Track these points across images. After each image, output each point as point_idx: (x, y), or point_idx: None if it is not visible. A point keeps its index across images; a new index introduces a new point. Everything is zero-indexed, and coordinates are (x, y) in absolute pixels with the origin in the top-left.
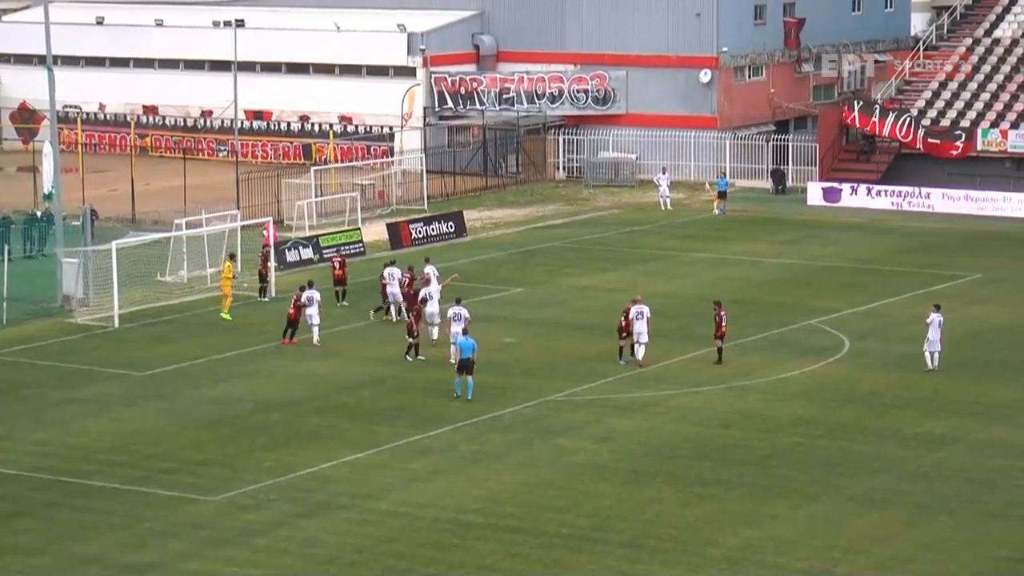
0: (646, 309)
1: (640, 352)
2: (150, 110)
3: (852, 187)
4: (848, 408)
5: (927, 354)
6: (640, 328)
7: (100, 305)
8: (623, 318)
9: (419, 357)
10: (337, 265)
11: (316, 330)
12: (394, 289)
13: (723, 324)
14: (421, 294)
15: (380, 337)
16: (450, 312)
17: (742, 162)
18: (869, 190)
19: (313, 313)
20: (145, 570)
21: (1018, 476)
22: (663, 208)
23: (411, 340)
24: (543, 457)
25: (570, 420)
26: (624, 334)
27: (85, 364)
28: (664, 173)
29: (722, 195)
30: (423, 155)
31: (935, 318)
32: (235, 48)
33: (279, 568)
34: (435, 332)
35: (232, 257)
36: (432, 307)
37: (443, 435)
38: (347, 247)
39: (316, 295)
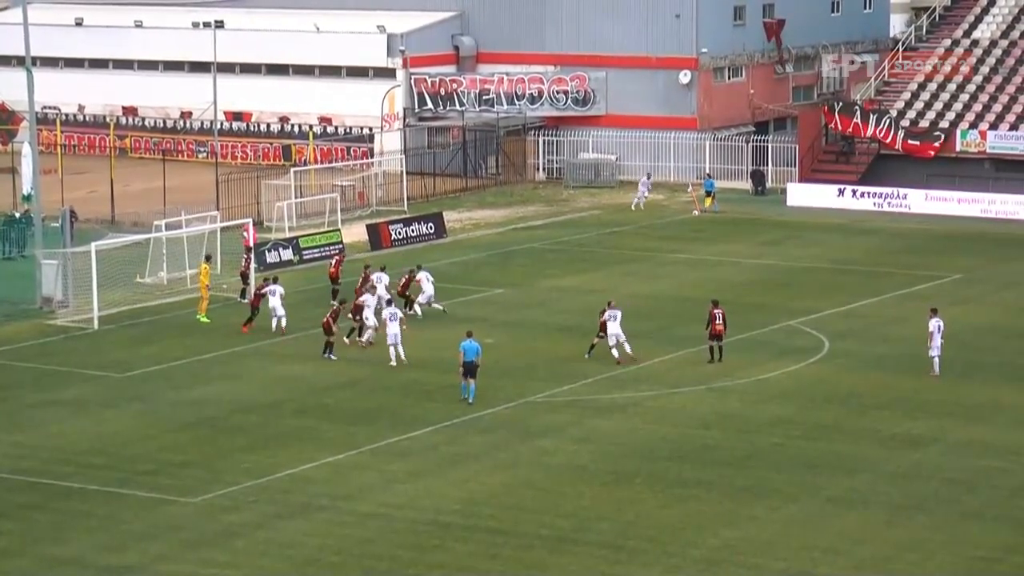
0: (619, 313)
1: (626, 349)
2: (129, 111)
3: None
4: (827, 409)
5: (934, 360)
6: (615, 329)
7: (79, 307)
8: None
9: (332, 356)
10: (332, 264)
11: (282, 319)
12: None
13: (717, 322)
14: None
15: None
16: (385, 313)
17: (722, 163)
18: (841, 191)
19: (276, 305)
20: (124, 572)
21: (996, 476)
22: (633, 208)
23: (329, 338)
24: (523, 458)
25: (550, 421)
26: (600, 333)
27: (64, 366)
28: (648, 178)
29: (711, 195)
30: (403, 156)
31: (935, 323)
32: (215, 49)
33: (258, 570)
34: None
35: (208, 259)
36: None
37: (422, 436)
38: (327, 248)
39: (279, 288)
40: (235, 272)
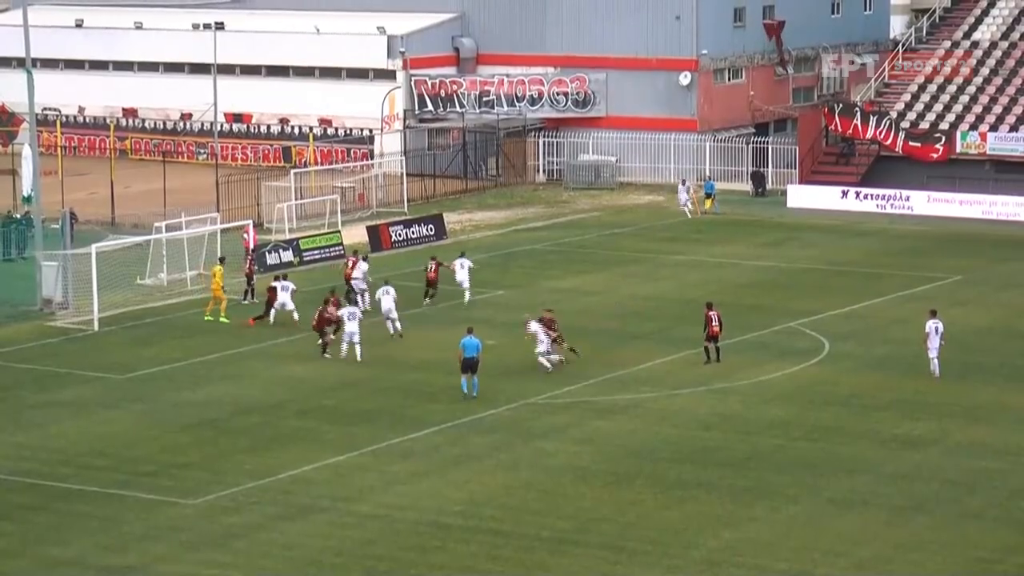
0: (535, 323)
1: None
2: (130, 113)
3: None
4: (828, 410)
5: (933, 362)
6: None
7: (80, 308)
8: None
9: (326, 355)
10: (349, 264)
11: (293, 313)
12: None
13: (713, 323)
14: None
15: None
16: (344, 312)
17: (722, 165)
18: (844, 193)
19: (287, 300)
20: (124, 573)
21: (996, 477)
22: (690, 216)
23: (325, 339)
24: (524, 459)
25: (551, 422)
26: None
27: (64, 367)
28: (684, 183)
29: (711, 197)
30: (403, 158)
31: (933, 325)
32: (215, 51)
33: (259, 571)
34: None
35: (223, 261)
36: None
37: (424, 437)
38: (327, 250)
39: (290, 285)
40: (238, 274)
